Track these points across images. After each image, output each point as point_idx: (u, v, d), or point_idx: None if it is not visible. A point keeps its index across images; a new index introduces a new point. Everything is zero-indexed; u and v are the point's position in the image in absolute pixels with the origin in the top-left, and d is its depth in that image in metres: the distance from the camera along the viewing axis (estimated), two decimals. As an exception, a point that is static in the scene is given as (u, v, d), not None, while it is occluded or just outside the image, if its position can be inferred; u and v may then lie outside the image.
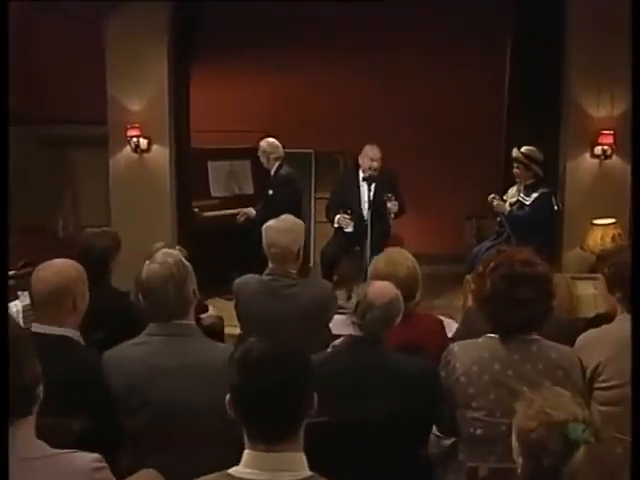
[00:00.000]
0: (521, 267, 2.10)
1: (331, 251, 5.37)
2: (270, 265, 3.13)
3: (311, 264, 6.46)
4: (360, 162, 5.30)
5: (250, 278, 3.19)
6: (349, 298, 5.06)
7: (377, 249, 4.81)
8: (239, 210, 5.76)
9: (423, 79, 6.72)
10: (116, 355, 2.25)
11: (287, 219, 3.18)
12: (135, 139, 5.49)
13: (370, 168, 5.17)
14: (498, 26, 5.70)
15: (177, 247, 3.31)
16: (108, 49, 5.47)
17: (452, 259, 6.02)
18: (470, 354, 2.14)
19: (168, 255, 2.29)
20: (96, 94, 5.45)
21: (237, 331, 3.25)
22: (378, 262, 2.84)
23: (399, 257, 2.84)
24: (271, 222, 3.16)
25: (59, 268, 2.27)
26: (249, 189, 6.47)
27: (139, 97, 5.48)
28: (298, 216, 5.47)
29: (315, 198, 7.01)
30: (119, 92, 5.51)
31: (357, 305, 2.26)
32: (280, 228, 3.10)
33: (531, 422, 1.54)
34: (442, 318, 3.30)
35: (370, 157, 5.20)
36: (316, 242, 6.75)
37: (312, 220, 6.94)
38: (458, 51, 6.41)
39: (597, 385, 2.22)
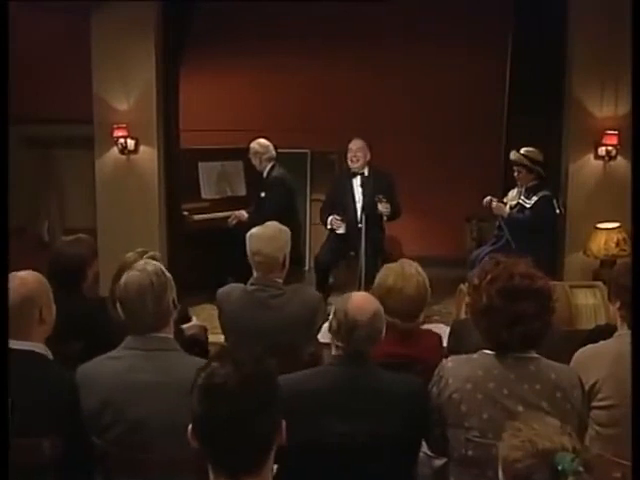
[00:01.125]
0: (520, 280, 2.03)
1: (325, 256, 5.35)
2: (255, 274, 3.09)
3: (306, 268, 6.44)
4: (347, 158, 5.29)
5: (234, 288, 3.15)
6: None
7: (372, 253, 4.84)
8: (231, 213, 5.73)
9: (423, 78, 6.70)
10: (90, 370, 2.20)
11: (271, 226, 3.14)
12: (122, 140, 5.44)
13: (353, 161, 5.19)
14: (498, 23, 5.67)
15: (150, 253, 3.25)
16: (94, 46, 5.41)
17: (452, 262, 5.98)
18: (464, 371, 2.08)
19: (147, 264, 2.26)
20: (81, 93, 5.40)
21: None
22: (388, 273, 2.74)
23: (410, 272, 2.73)
24: (254, 230, 3.13)
25: (20, 280, 2.23)
26: (241, 191, 6.43)
27: (126, 96, 5.43)
28: (292, 219, 5.64)
29: (311, 200, 7.00)
30: (105, 91, 5.46)
31: (338, 327, 2.17)
32: (263, 236, 3.07)
33: (517, 452, 1.48)
34: (441, 325, 3.25)
35: (350, 148, 5.23)
36: (312, 245, 6.73)
37: (308, 222, 6.92)
38: (458, 50, 6.39)
39: (594, 404, 2.16)
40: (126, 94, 5.42)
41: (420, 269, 2.78)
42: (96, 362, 2.21)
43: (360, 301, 2.21)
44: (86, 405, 2.13)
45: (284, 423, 1.47)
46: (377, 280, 2.77)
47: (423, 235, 6.93)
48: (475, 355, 2.12)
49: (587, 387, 2.16)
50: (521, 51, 5.42)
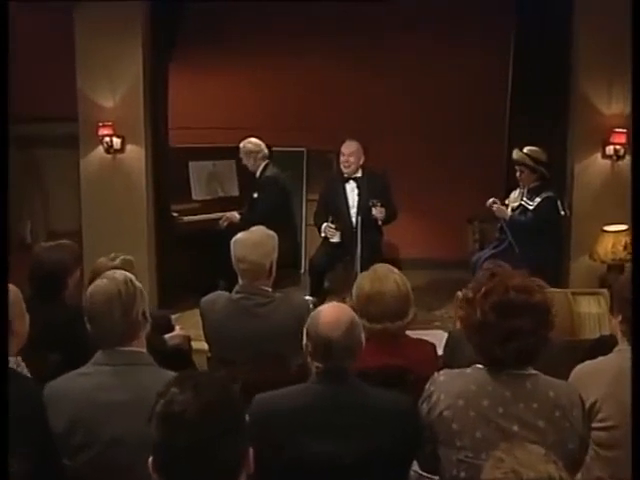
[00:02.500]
0: (515, 295, 1.99)
1: (320, 260, 5.34)
2: (240, 282, 3.06)
3: (302, 271, 6.42)
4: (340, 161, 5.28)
5: (219, 296, 3.12)
6: (344, 306, 5.01)
7: (368, 258, 4.80)
8: (222, 214, 5.71)
9: (422, 76, 6.68)
10: (59, 387, 2.15)
11: (256, 231, 3.11)
12: (108, 138, 5.41)
13: (343, 165, 5.16)
14: (500, 19, 5.63)
15: (122, 257, 3.22)
16: (78, 41, 5.37)
17: (454, 265, 5.98)
18: (456, 386, 2.04)
19: (115, 272, 2.23)
20: (65, 90, 5.38)
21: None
22: (362, 280, 2.75)
23: (385, 273, 2.74)
24: (239, 235, 3.10)
25: None
26: (234, 191, 6.41)
27: (112, 92, 5.40)
28: (287, 220, 5.64)
29: (307, 200, 7.00)
30: (90, 87, 5.42)
31: (313, 347, 2.12)
32: (248, 242, 3.04)
33: None
34: (440, 332, 3.21)
35: (342, 152, 5.20)
36: (308, 247, 6.71)
37: (304, 223, 6.91)
38: (459, 48, 6.38)
39: (594, 425, 2.11)
40: (112, 91, 5.39)
41: (395, 269, 2.77)
42: (65, 379, 2.17)
43: (331, 315, 2.14)
44: (55, 425, 2.09)
45: (251, 451, 1.42)
46: (354, 291, 2.74)
47: (424, 237, 6.94)
48: (468, 369, 2.08)
49: (587, 406, 2.12)
50: (524, 48, 5.38)
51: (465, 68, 6.49)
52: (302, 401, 2.11)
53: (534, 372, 2.03)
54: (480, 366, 2.07)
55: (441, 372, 2.12)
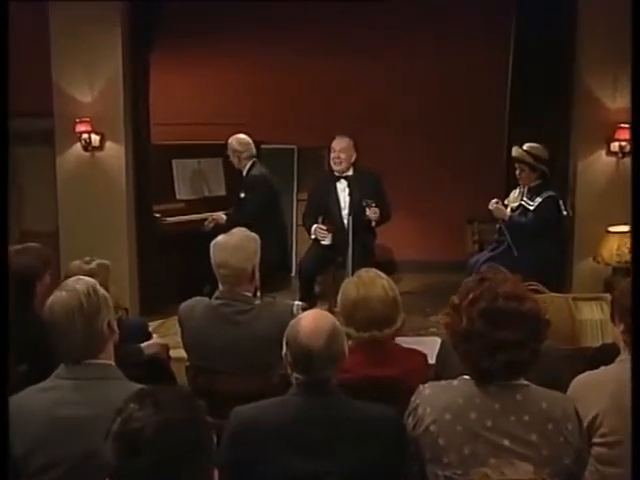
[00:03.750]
0: (504, 303, 1.96)
1: (310, 263, 5.32)
2: (220, 287, 3.03)
3: (293, 274, 6.41)
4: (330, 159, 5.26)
5: (197, 302, 3.09)
6: (331, 314, 5.00)
7: (360, 260, 4.78)
8: (208, 215, 5.70)
9: (420, 71, 6.70)
10: (17, 404, 2.09)
11: (237, 234, 3.08)
12: (85, 135, 5.38)
13: (334, 162, 5.14)
14: (501, 9, 5.64)
15: (98, 261, 3.19)
16: (53, 32, 5.33)
17: (453, 267, 5.95)
18: (442, 399, 2.01)
19: (78, 281, 2.18)
20: (40, 83, 5.34)
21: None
22: (348, 286, 2.73)
23: (371, 278, 2.73)
24: (219, 238, 3.07)
25: None
26: (220, 190, 6.40)
27: (89, 86, 5.36)
28: (276, 221, 5.62)
29: (298, 199, 7.01)
30: (66, 81, 5.38)
31: (293, 358, 2.10)
32: (228, 245, 3.00)
33: None
34: (436, 339, 3.19)
35: (333, 148, 5.18)
36: (299, 248, 6.71)
37: (294, 224, 6.91)
38: (457, 41, 6.40)
39: (596, 440, 2.08)
40: (90, 85, 5.35)
41: (381, 273, 2.76)
42: (25, 395, 2.12)
43: (311, 323, 2.12)
44: (13, 446, 2.03)
45: (216, 472, 1.39)
46: (339, 298, 2.73)
47: (421, 238, 6.95)
48: (455, 381, 2.06)
49: (587, 420, 2.10)
50: (524, 41, 5.38)
51: (464, 63, 6.51)
52: (282, 415, 2.09)
53: (525, 383, 2.01)
54: (467, 377, 2.04)
55: (426, 384, 2.10)
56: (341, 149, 5.13)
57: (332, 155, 5.18)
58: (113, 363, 2.18)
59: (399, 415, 2.11)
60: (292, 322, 2.18)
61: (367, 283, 2.68)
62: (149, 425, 1.31)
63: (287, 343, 2.14)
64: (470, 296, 1.99)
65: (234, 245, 2.99)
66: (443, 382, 2.11)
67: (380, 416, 2.10)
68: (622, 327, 2.25)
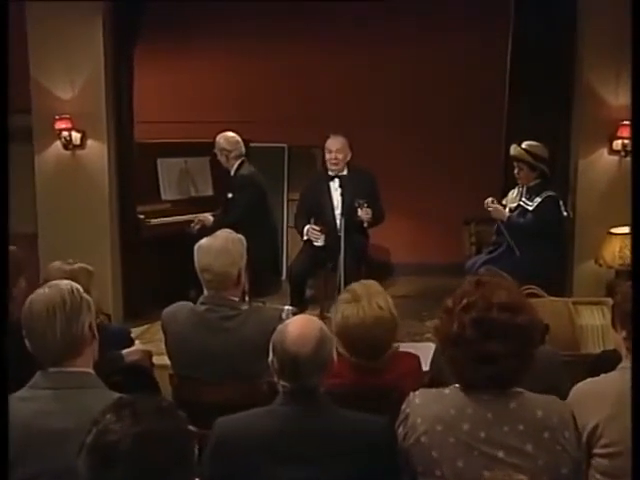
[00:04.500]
0: (497, 314, 1.96)
1: (300, 266, 5.34)
2: (205, 292, 3.03)
3: (283, 277, 6.41)
4: (325, 159, 5.29)
5: (181, 307, 3.08)
6: (322, 320, 5.01)
7: (352, 263, 4.79)
8: (195, 216, 5.70)
9: (414, 64, 6.71)
10: (-4, 413, 2.09)
11: (221, 236, 3.06)
12: (66, 133, 5.36)
13: (330, 162, 5.16)
14: (498, 0, 5.65)
15: (79, 265, 3.17)
16: (31, 24, 5.32)
17: (449, 270, 5.94)
18: (433, 409, 2.01)
19: (61, 282, 2.19)
20: (17, 78, 5.27)
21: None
22: (344, 307, 2.68)
23: (373, 309, 2.65)
24: (202, 241, 3.05)
25: None
26: (207, 191, 6.40)
27: (70, 82, 5.33)
28: (265, 222, 5.61)
29: (288, 200, 7.03)
30: (45, 76, 5.37)
31: (280, 364, 2.10)
32: (212, 248, 2.99)
33: None
34: (432, 345, 3.19)
35: (329, 149, 5.18)
36: (290, 251, 6.71)
37: (285, 225, 6.93)
38: (452, 31, 6.41)
39: (597, 451, 2.08)
40: (70, 80, 5.32)
41: (380, 289, 2.73)
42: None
43: (298, 329, 2.12)
44: None
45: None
46: (334, 317, 2.70)
47: (416, 240, 6.95)
48: (446, 390, 2.06)
49: (588, 430, 2.09)
50: (523, 33, 5.37)
51: (460, 59, 6.50)
52: (267, 425, 2.08)
53: (519, 390, 2.01)
54: (459, 385, 2.04)
55: (417, 392, 2.10)
56: (338, 149, 5.16)
57: (328, 156, 5.19)
58: (92, 371, 2.17)
59: (390, 425, 2.11)
60: (279, 327, 2.18)
61: (369, 318, 2.63)
62: (126, 438, 1.30)
63: (273, 349, 2.14)
64: (464, 301, 1.99)
65: (218, 248, 2.98)
66: (433, 390, 2.11)
67: (370, 426, 2.10)
68: (624, 333, 2.25)
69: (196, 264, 3.01)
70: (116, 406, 1.38)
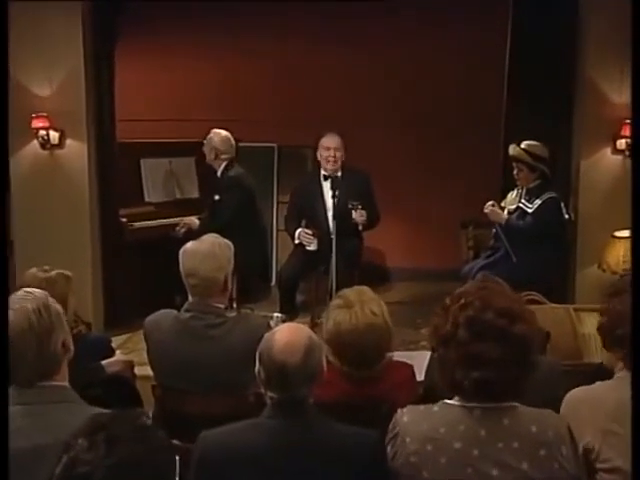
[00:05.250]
0: (493, 318, 1.96)
1: (290, 271, 5.34)
2: (190, 299, 3.03)
3: (273, 283, 6.41)
4: (318, 157, 5.29)
5: (165, 314, 3.08)
6: (313, 326, 5.01)
7: (346, 267, 4.79)
8: (180, 219, 5.71)
9: (409, 61, 6.72)
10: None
11: (208, 240, 3.07)
12: (43, 132, 5.35)
13: (328, 161, 5.17)
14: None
15: (57, 271, 3.15)
16: (9, 18, 5.21)
17: (445, 275, 5.96)
18: (423, 427, 2.01)
19: (26, 298, 2.10)
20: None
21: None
22: (337, 314, 2.68)
23: (366, 315, 2.66)
24: (188, 245, 3.06)
25: None
26: (193, 192, 6.41)
27: (48, 79, 5.32)
28: (254, 226, 5.61)
29: (278, 202, 7.04)
30: (22, 72, 5.33)
31: (267, 374, 2.10)
32: (198, 252, 2.99)
33: None
34: (427, 354, 3.19)
35: (326, 146, 5.18)
36: (280, 255, 6.72)
37: (275, 229, 6.95)
38: (449, 25, 6.42)
39: (599, 466, 2.06)
40: (48, 76, 5.31)
41: (374, 297, 2.73)
42: None
43: (286, 337, 2.12)
44: None
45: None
46: (326, 324, 2.70)
47: (411, 244, 6.96)
48: (435, 407, 2.05)
49: (583, 443, 2.07)
50: (523, 27, 5.39)
51: (457, 55, 6.51)
52: (253, 439, 2.07)
53: (512, 404, 2.00)
54: (449, 401, 2.04)
55: (404, 410, 2.09)
56: (336, 147, 5.18)
57: (326, 154, 5.20)
58: (67, 384, 2.14)
59: (382, 439, 2.10)
60: (265, 336, 2.17)
61: (362, 323, 2.63)
62: (98, 470, 1.26)
63: (260, 358, 2.13)
64: (462, 301, 2.00)
65: (204, 252, 2.98)
66: (422, 407, 2.10)
67: (361, 441, 2.09)
68: (619, 354, 2.21)
69: (181, 268, 3.01)
70: (89, 429, 1.34)
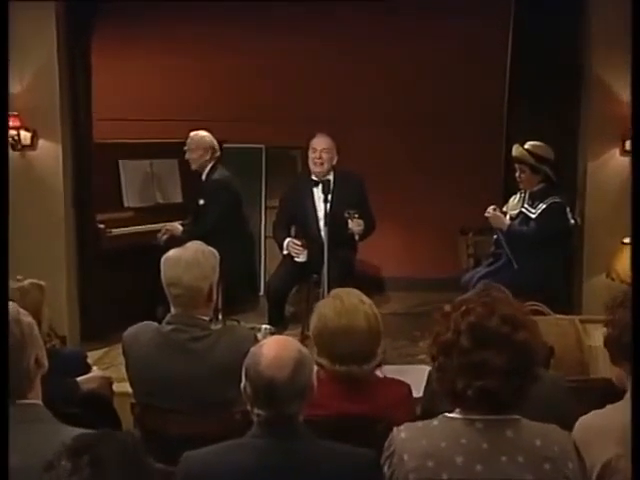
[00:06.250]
0: (498, 324, 1.99)
1: (279, 282, 5.33)
2: (172, 310, 3.03)
3: (261, 293, 6.42)
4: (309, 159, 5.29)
5: (144, 328, 3.08)
6: (304, 339, 5.02)
7: (339, 277, 4.80)
8: (162, 225, 5.72)
9: (404, 58, 6.74)
10: None
11: (191, 248, 3.07)
12: (14, 131, 5.34)
13: (314, 163, 5.18)
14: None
15: (31, 281, 3.16)
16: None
17: (444, 285, 5.98)
18: (422, 443, 2.02)
19: None
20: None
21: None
22: (326, 311, 2.72)
23: (354, 304, 2.73)
24: (170, 253, 3.05)
25: None
26: (176, 197, 6.43)
27: (19, 75, 5.31)
28: (240, 232, 5.62)
29: (266, 207, 7.05)
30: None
31: (253, 389, 2.12)
32: (181, 260, 2.99)
33: None
34: (424, 368, 3.20)
35: (313, 148, 5.20)
36: (268, 264, 6.73)
37: (262, 235, 6.96)
38: (447, 21, 6.44)
39: None
40: (19, 72, 5.29)
41: (364, 296, 2.78)
42: None
43: (274, 351, 2.13)
44: None
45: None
46: (313, 322, 2.73)
47: (408, 252, 6.98)
48: (435, 421, 2.07)
49: (599, 467, 2.08)
50: (526, 20, 5.41)
51: (455, 49, 6.53)
52: (240, 460, 2.08)
53: (515, 417, 2.03)
54: (449, 415, 2.06)
55: (401, 427, 2.10)
56: (323, 149, 5.18)
57: (312, 155, 5.21)
58: (40, 402, 2.14)
59: (378, 458, 2.11)
60: (252, 350, 2.19)
61: (349, 310, 2.68)
62: None
63: (246, 374, 2.14)
64: (464, 307, 2.03)
65: (188, 260, 2.98)
66: (420, 423, 2.12)
67: (355, 460, 2.10)
68: (629, 368, 2.21)
69: (162, 277, 3.01)
70: (73, 450, 1.34)
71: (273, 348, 2.14)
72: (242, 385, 2.16)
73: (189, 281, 2.95)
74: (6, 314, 2.06)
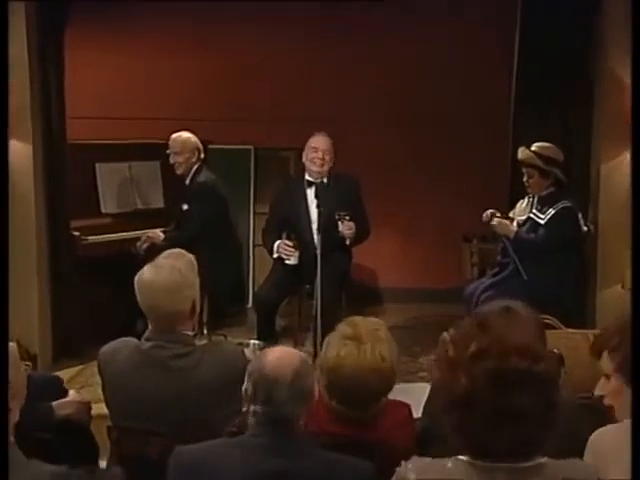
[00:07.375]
0: (517, 361, 1.85)
1: (269, 292, 5.33)
2: (151, 326, 3.01)
3: (249, 305, 6.43)
4: (303, 159, 5.30)
5: (122, 344, 3.06)
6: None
7: (333, 286, 4.80)
8: (142, 233, 5.74)
9: (404, 54, 6.74)
10: None
11: (166, 268, 2.98)
12: (-19, 131, 5.32)
13: (314, 162, 5.19)
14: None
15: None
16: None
17: (447, 296, 6.02)
18: None
19: None
20: None
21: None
22: (339, 350, 2.65)
23: (372, 344, 2.66)
24: (145, 273, 2.98)
25: None
26: (157, 202, 6.44)
27: (-15, 70, 5.31)
28: (227, 239, 5.63)
29: (255, 212, 7.07)
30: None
31: (254, 389, 2.24)
32: (156, 287, 2.93)
33: None
34: (425, 385, 3.18)
35: (314, 147, 5.21)
36: (256, 273, 6.74)
37: (251, 243, 6.97)
38: (449, 16, 6.47)
39: None
40: (-14, 67, 5.30)
41: (382, 329, 2.73)
42: None
43: (277, 358, 2.30)
44: None
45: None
46: (324, 361, 2.68)
47: (407, 261, 7.00)
48: (449, 463, 1.94)
49: None
50: (534, 12, 5.42)
51: (458, 48, 6.56)
52: (236, 457, 2.15)
53: (542, 460, 1.91)
54: (463, 457, 1.93)
55: (409, 465, 1.98)
56: (325, 150, 5.20)
57: (313, 155, 5.21)
58: (12, 438, 2.09)
59: (376, 474, 2.17)
60: (256, 356, 2.39)
61: (368, 353, 2.62)
62: None
63: (250, 375, 2.28)
64: (472, 348, 1.88)
65: (164, 286, 2.93)
66: (429, 461, 1.99)
67: (353, 473, 2.18)
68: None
69: (139, 302, 2.98)
70: None
71: (277, 355, 2.33)
72: (243, 388, 2.29)
73: (168, 308, 2.93)
74: (6, 311, 2.13)
